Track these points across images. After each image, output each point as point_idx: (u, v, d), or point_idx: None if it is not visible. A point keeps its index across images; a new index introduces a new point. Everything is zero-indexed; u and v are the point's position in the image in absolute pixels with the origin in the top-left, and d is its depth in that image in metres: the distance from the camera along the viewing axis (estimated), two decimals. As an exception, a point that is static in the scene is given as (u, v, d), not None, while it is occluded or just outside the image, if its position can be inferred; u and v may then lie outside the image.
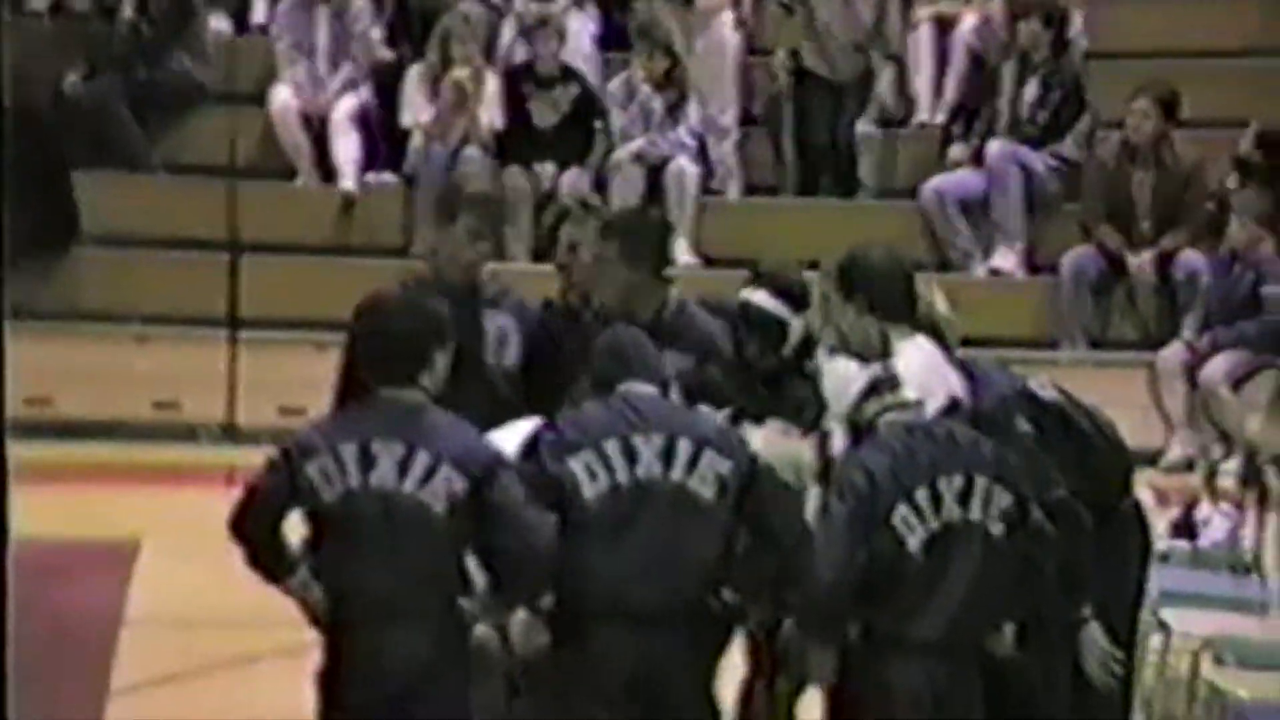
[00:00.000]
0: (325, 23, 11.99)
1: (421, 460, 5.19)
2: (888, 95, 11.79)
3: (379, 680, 5.21)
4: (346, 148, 11.87)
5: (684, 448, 5.31)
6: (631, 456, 5.30)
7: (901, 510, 5.21)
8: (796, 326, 5.80)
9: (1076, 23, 11.76)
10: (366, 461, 5.21)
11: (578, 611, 5.31)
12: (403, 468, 5.19)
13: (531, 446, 5.37)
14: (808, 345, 5.81)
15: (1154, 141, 11.28)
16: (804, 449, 5.67)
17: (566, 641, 5.32)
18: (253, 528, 5.29)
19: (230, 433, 11.28)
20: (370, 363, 5.34)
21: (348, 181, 11.87)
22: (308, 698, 5.36)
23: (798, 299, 5.83)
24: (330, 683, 5.29)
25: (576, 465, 5.30)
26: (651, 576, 5.28)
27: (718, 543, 5.33)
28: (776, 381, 5.81)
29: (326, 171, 11.98)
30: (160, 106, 11.93)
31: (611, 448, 5.30)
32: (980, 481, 5.25)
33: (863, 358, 5.36)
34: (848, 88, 11.75)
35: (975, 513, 5.24)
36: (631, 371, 5.42)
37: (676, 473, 5.31)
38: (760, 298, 5.82)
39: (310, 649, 5.47)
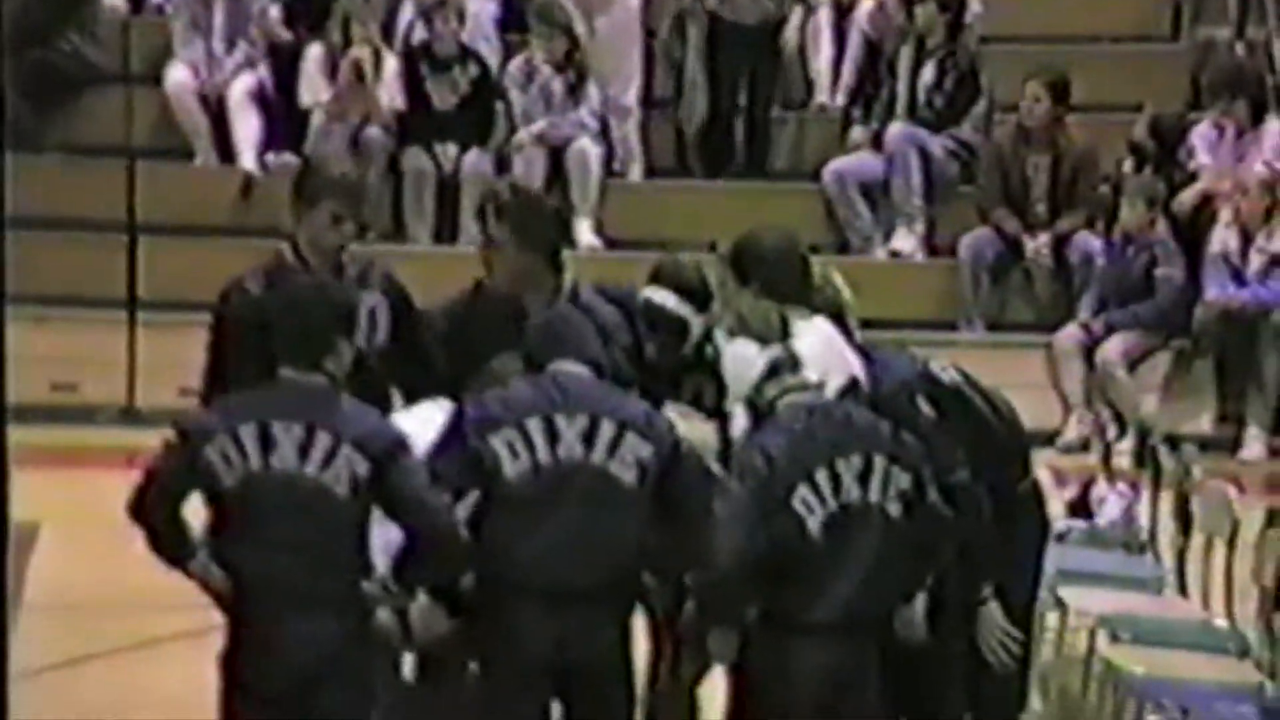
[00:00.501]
0: (222, 2, 11.92)
1: (322, 442, 5.16)
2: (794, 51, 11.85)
3: (283, 665, 5.20)
4: (245, 127, 11.81)
5: (606, 429, 5.30)
6: (553, 436, 5.30)
7: (801, 491, 5.24)
8: (697, 325, 5.80)
9: (974, 7, 11.84)
10: (266, 443, 5.19)
11: (497, 589, 5.31)
12: (303, 450, 5.17)
13: (456, 422, 5.35)
14: (708, 337, 5.81)
15: (1047, 125, 11.38)
16: (706, 432, 5.68)
17: (485, 618, 5.31)
18: (152, 511, 5.26)
19: (130, 415, 11.20)
20: (276, 344, 5.31)
21: (247, 161, 11.81)
22: (210, 681, 5.34)
23: (699, 296, 5.83)
24: (234, 666, 5.28)
25: (498, 443, 5.29)
26: (570, 557, 5.28)
27: (637, 526, 5.33)
28: (675, 375, 5.82)
29: (225, 152, 11.92)
30: (52, 86, 11.81)
31: (534, 426, 5.29)
32: (879, 462, 5.28)
33: (762, 339, 5.39)
34: (759, 36, 11.77)
35: (874, 494, 5.28)
36: (563, 351, 5.41)
37: (598, 455, 5.30)
38: (661, 296, 5.82)
39: (213, 632, 5.45)
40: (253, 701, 5.22)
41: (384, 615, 5.29)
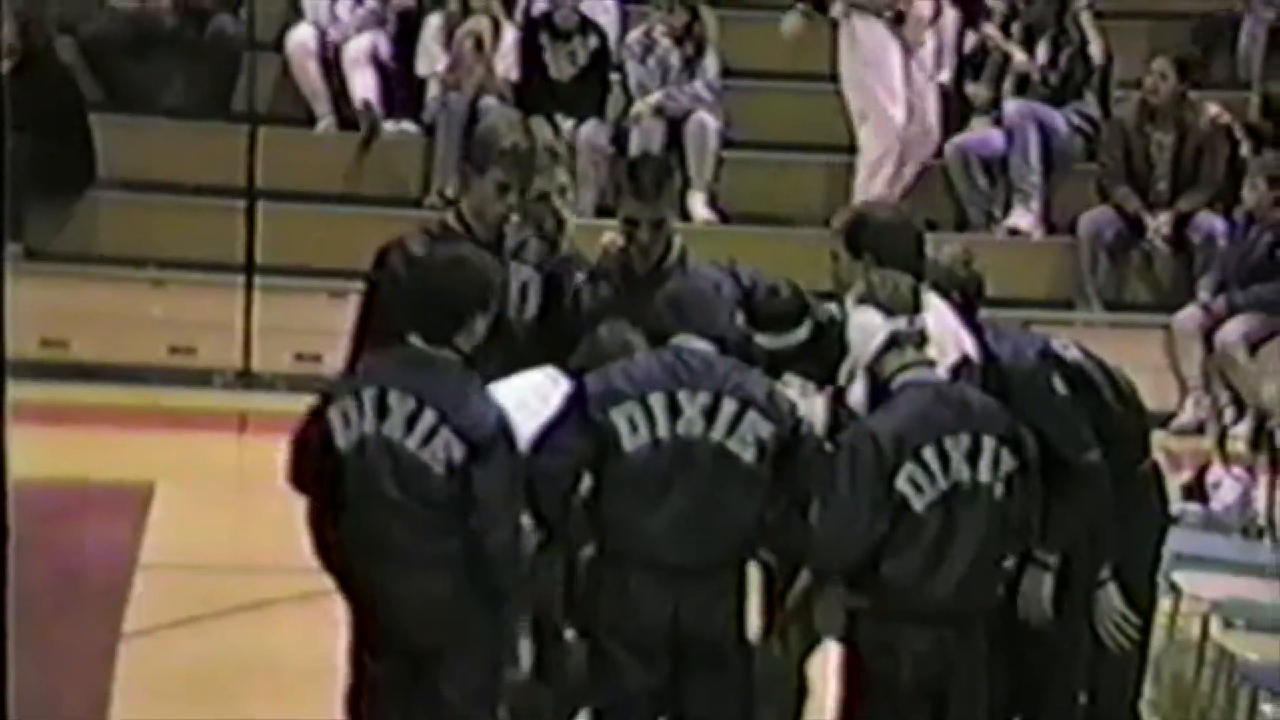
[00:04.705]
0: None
1: (427, 419, 5.19)
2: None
3: (401, 625, 5.21)
4: (364, 81, 11.82)
5: (728, 407, 5.30)
6: (675, 412, 5.30)
7: (908, 469, 5.22)
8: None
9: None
10: (382, 409, 5.22)
11: (614, 562, 5.32)
12: (409, 423, 5.20)
13: (577, 394, 5.35)
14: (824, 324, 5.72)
15: (1172, 102, 11.25)
16: (817, 405, 5.66)
17: (604, 591, 5.32)
18: (300, 475, 5.31)
19: (245, 379, 11.29)
20: (408, 313, 5.33)
21: (369, 105, 11.74)
22: (323, 642, 5.39)
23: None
24: (358, 628, 5.30)
25: (619, 416, 5.29)
26: (688, 532, 5.28)
27: (756, 504, 5.33)
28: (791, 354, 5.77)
29: (344, 119, 11.97)
30: (200, 56, 11.90)
31: (656, 401, 5.29)
32: (988, 442, 5.25)
33: (888, 310, 5.35)
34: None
35: (983, 474, 5.25)
36: (688, 325, 5.40)
37: (718, 432, 5.30)
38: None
39: (326, 595, 5.49)
40: (378, 662, 5.23)
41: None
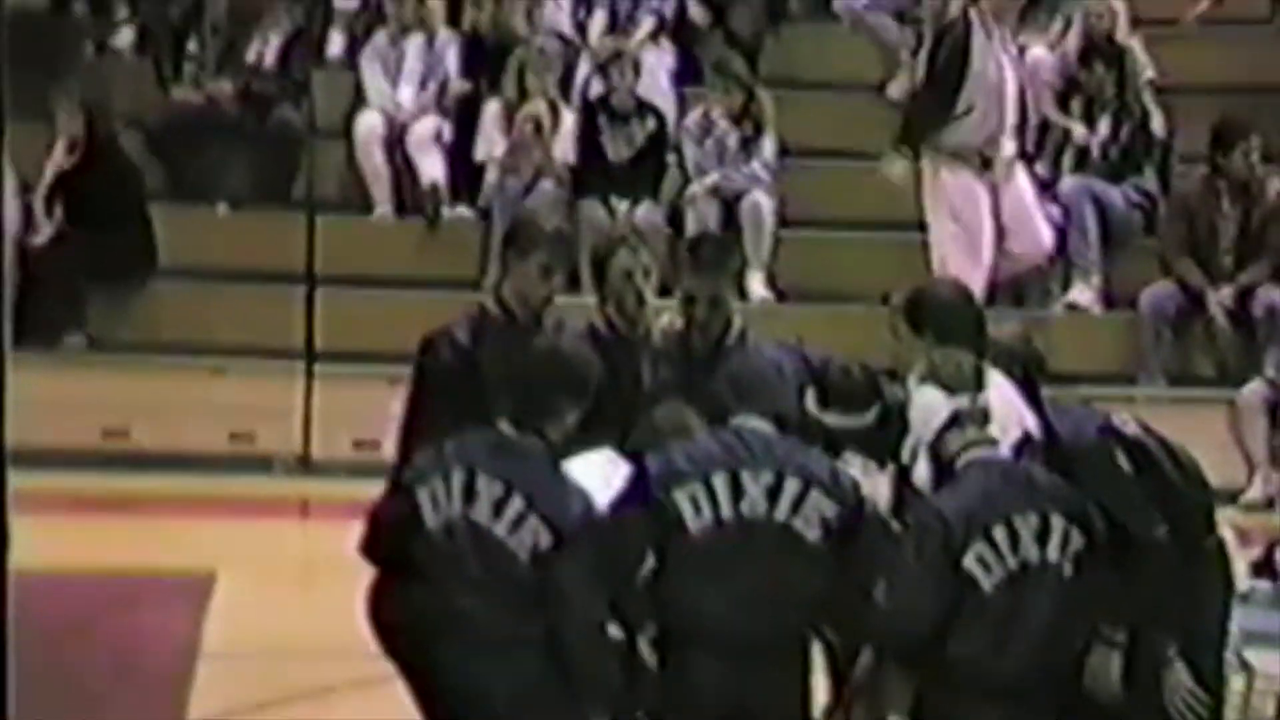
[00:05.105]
0: (415, 49, 12.03)
1: (515, 505, 5.22)
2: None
3: (480, 706, 5.20)
4: (431, 163, 11.87)
5: (791, 487, 5.29)
6: (738, 491, 5.29)
7: (977, 548, 5.18)
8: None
9: (1141, 59, 11.68)
10: (470, 493, 5.25)
11: (679, 642, 5.30)
12: (498, 508, 5.22)
13: (639, 475, 5.34)
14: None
15: (1243, 175, 11.20)
16: (880, 483, 5.63)
17: (666, 672, 5.30)
18: (379, 550, 5.32)
19: (305, 465, 11.31)
20: (499, 400, 5.35)
21: (436, 187, 11.79)
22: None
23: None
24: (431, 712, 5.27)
25: (682, 496, 5.29)
26: (752, 612, 5.27)
27: (820, 583, 5.31)
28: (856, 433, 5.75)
29: (402, 203, 12.03)
30: (262, 145, 11.99)
31: (719, 481, 5.29)
32: (1056, 521, 5.22)
33: (950, 389, 5.32)
34: None
35: (1052, 553, 5.21)
36: (748, 404, 5.39)
37: (781, 512, 5.30)
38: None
39: (388, 680, 5.47)
40: None
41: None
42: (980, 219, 10.76)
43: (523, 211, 11.15)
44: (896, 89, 12.10)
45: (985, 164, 10.74)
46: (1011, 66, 10.75)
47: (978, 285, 10.68)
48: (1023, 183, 10.88)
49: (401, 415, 5.99)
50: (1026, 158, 11.06)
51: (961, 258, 10.74)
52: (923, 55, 10.88)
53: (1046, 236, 11.07)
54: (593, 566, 5.22)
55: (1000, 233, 10.79)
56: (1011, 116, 10.72)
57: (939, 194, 10.66)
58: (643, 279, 6.21)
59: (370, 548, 5.35)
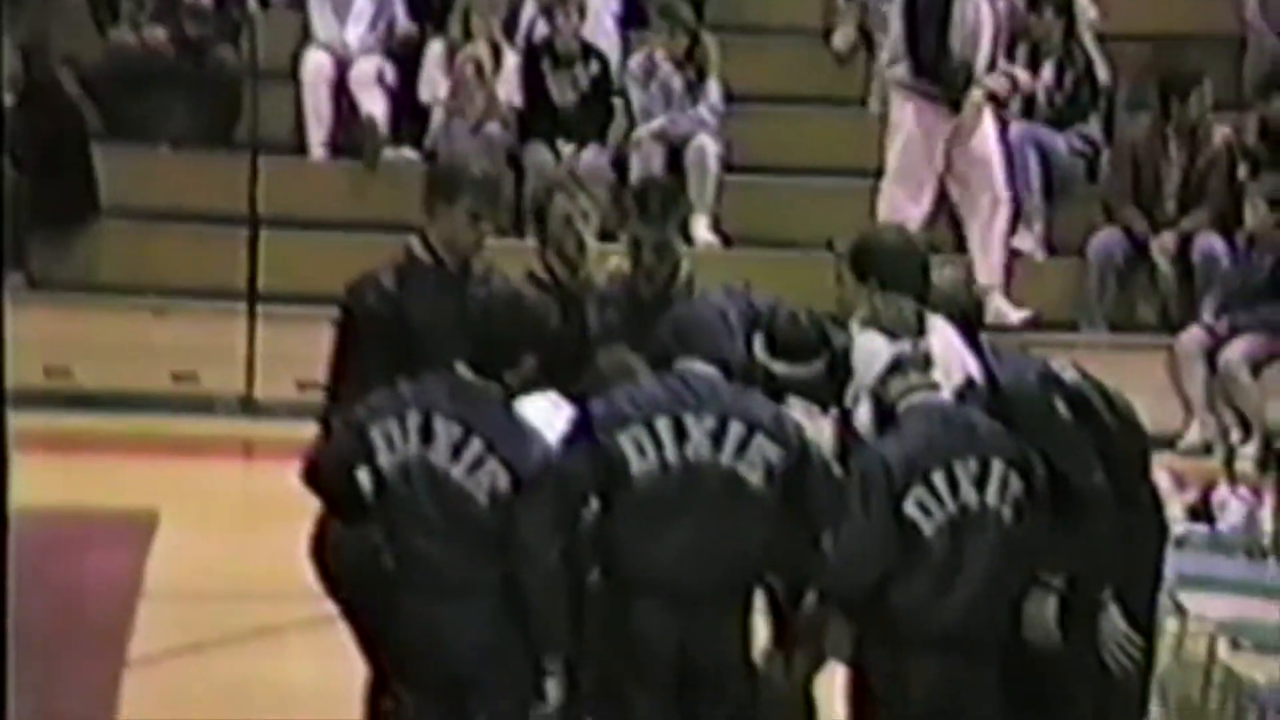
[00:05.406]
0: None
1: (474, 447, 5.21)
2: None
3: (436, 652, 5.20)
4: (370, 100, 11.80)
5: (735, 430, 5.29)
6: (682, 436, 5.29)
7: (917, 493, 5.20)
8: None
9: (1089, 10, 11.70)
10: (427, 434, 5.24)
11: (623, 589, 5.30)
12: (456, 450, 5.22)
13: (583, 418, 5.35)
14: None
15: (1196, 122, 11.24)
16: (824, 427, 5.65)
17: (610, 618, 5.30)
18: (327, 479, 5.32)
19: (248, 406, 11.29)
20: (460, 345, 5.34)
21: (373, 120, 11.71)
22: (332, 667, 5.37)
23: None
24: (385, 656, 5.30)
25: (626, 440, 5.28)
26: (696, 558, 5.27)
27: (764, 527, 5.32)
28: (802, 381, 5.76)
29: (337, 146, 11.97)
30: (201, 88, 11.91)
31: (662, 425, 5.28)
32: (996, 466, 5.24)
33: (892, 334, 5.34)
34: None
35: (991, 498, 5.24)
36: (691, 350, 5.39)
37: (726, 455, 5.29)
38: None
39: (332, 621, 5.47)
40: (406, 692, 5.21)
41: None
42: (930, 160, 10.79)
43: (448, 157, 11.09)
44: (841, 39, 12.09)
45: (954, 107, 10.76)
46: (989, 6, 10.78)
47: (914, 224, 10.72)
48: (987, 127, 10.91)
49: (329, 360, 5.97)
50: (996, 100, 11.10)
51: (902, 196, 10.77)
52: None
53: (1000, 183, 11.11)
54: (550, 510, 5.21)
55: (957, 176, 10.82)
56: (984, 60, 10.74)
57: (897, 129, 10.69)
58: (582, 223, 6.20)
59: (314, 481, 5.34)
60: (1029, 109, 11.58)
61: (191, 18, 11.95)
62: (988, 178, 11.02)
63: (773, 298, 5.84)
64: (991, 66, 10.83)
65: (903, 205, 10.70)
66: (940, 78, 10.66)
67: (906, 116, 10.82)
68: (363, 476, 5.28)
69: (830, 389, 5.59)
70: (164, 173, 11.82)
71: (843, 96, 12.08)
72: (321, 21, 12.00)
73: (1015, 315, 11.04)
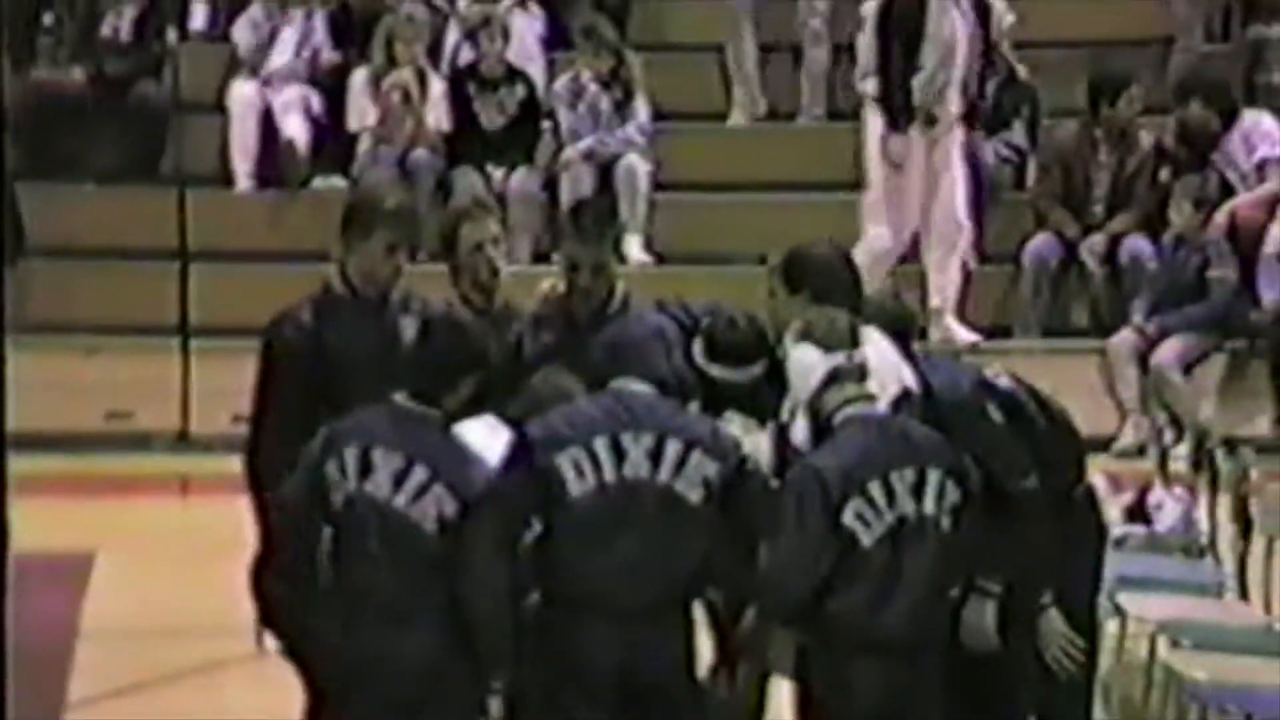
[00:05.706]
0: (293, 23, 11.93)
1: (417, 476, 5.20)
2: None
3: (385, 683, 5.19)
4: (292, 125, 11.78)
5: (673, 448, 5.30)
6: (620, 455, 5.29)
7: (854, 505, 5.22)
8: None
9: (1006, 16, 11.75)
10: (366, 467, 5.23)
11: (564, 609, 5.30)
12: (397, 480, 5.21)
13: (520, 441, 5.35)
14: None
15: (1119, 127, 11.31)
16: (761, 441, 5.66)
17: (552, 639, 5.31)
18: (282, 539, 5.33)
19: (184, 441, 11.23)
20: (398, 374, 5.33)
21: (292, 145, 11.72)
22: (274, 703, 5.34)
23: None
24: (330, 687, 5.28)
25: (564, 461, 5.29)
26: (637, 576, 5.28)
27: (704, 544, 5.32)
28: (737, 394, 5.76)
29: (264, 178, 11.94)
30: (124, 122, 11.86)
31: (600, 445, 5.29)
32: (933, 475, 5.26)
33: (826, 347, 5.36)
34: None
35: (929, 506, 5.25)
36: (628, 368, 5.40)
37: (664, 474, 5.30)
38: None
39: (270, 657, 5.44)
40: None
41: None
42: (902, 177, 10.83)
43: (364, 190, 11.05)
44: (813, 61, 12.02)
45: (930, 121, 10.81)
46: (963, 20, 10.82)
47: (905, 239, 10.76)
48: (953, 148, 10.95)
49: (254, 398, 5.95)
50: (968, 116, 11.15)
51: (893, 212, 10.81)
52: (870, 7, 10.94)
53: (963, 206, 11.15)
54: (493, 533, 5.21)
55: (921, 194, 10.87)
56: (959, 72, 10.79)
57: (878, 149, 10.72)
58: (492, 248, 6.19)
59: (269, 537, 5.32)
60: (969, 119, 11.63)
61: (111, 53, 11.91)
62: (951, 200, 11.07)
63: (712, 303, 5.85)
64: (966, 85, 10.89)
65: (893, 221, 10.76)
66: (909, 95, 10.72)
67: (875, 132, 10.89)
68: (325, 532, 5.26)
69: (770, 395, 5.60)
70: (90, 210, 11.76)
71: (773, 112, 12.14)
72: (246, 51, 11.97)
73: (966, 337, 11.08)
